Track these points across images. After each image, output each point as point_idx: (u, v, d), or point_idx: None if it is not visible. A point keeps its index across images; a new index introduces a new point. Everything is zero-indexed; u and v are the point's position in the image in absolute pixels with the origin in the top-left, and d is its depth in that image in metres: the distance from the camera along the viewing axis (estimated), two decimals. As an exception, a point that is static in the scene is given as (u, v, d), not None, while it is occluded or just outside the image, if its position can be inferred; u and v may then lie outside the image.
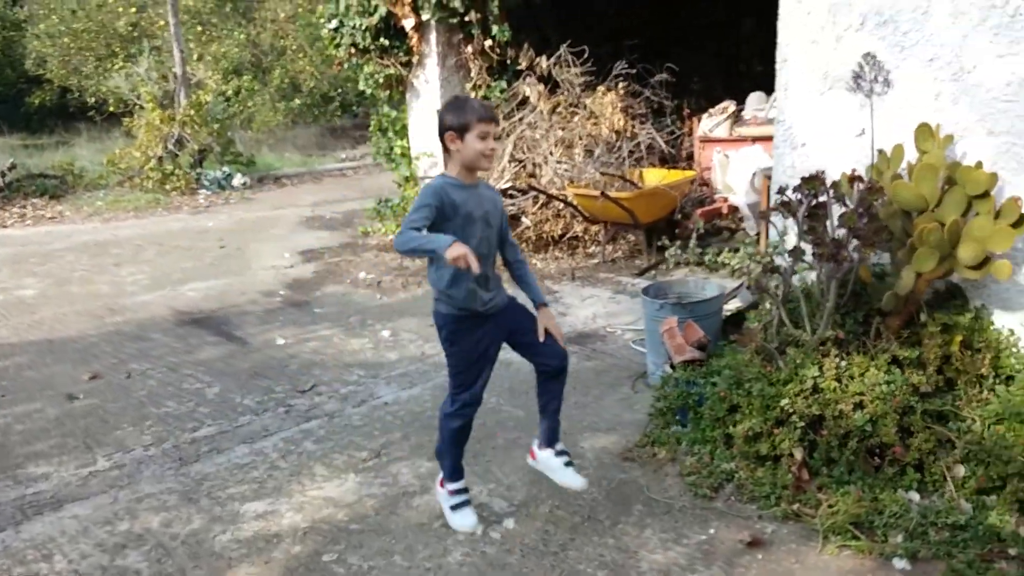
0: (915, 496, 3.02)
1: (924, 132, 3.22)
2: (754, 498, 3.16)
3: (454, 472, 3.09)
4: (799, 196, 3.10)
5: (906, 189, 3.13)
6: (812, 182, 3.07)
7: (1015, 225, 2.93)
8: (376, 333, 5.59)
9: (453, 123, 2.71)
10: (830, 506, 2.97)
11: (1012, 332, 3.23)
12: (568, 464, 3.12)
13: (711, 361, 3.79)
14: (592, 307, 5.83)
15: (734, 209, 6.90)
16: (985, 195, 3.03)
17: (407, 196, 8.43)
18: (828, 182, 3.16)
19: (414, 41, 7.80)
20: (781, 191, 3.17)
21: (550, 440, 3.11)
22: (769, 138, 6.93)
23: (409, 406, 4.33)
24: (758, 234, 6.74)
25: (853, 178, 3.25)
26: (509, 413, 4.14)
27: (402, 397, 4.46)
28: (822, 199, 3.11)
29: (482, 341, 2.89)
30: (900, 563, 2.72)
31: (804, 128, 3.76)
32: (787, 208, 3.13)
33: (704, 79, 9.14)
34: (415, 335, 5.49)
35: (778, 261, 3.32)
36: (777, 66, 3.83)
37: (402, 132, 8.55)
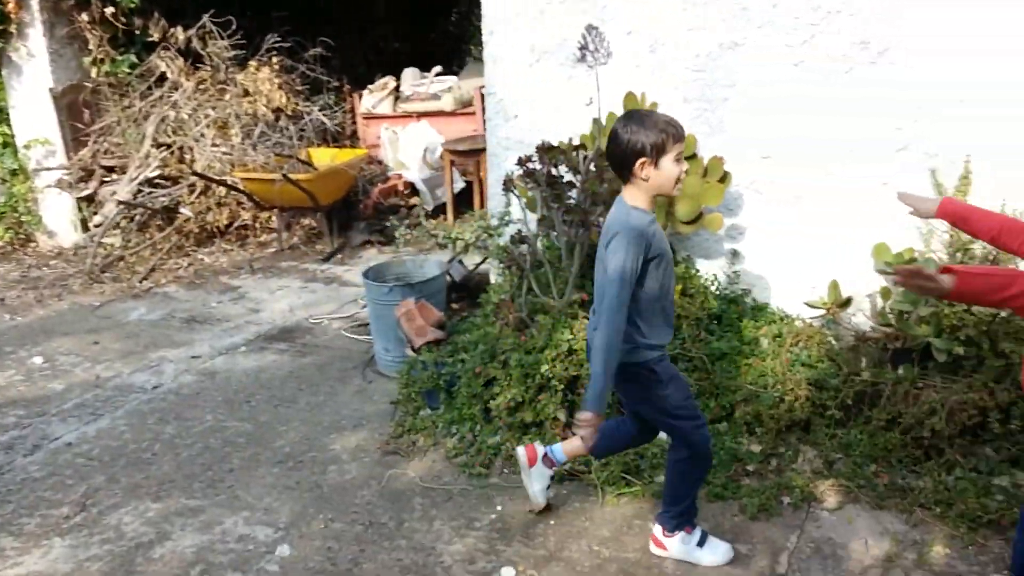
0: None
1: (631, 100, 3.46)
2: (527, 466, 3.18)
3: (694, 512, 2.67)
4: (541, 166, 3.14)
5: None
6: (552, 151, 3.14)
7: (721, 181, 3.31)
8: (23, 361, 4.57)
9: (647, 146, 2.16)
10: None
11: (715, 277, 3.67)
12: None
13: (453, 339, 3.73)
14: (286, 299, 5.41)
15: (409, 185, 6.89)
16: (692, 156, 3.37)
17: (17, 193, 7.00)
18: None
19: (10, 6, 6.43)
20: (522, 161, 3.19)
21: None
22: (435, 113, 7.06)
23: (103, 442, 3.61)
24: (438, 208, 6.83)
25: (576, 147, 3.39)
26: (235, 428, 3.66)
27: (89, 433, 3.71)
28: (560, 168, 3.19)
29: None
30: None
31: (516, 100, 3.83)
32: (531, 177, 3.15)
33: (357, 54, 8.94)
34: (78, 357, 4.60)
35: (523, 231, 3.36)
36: (484, 39, 3.84)
37: (2, 117, 7.05)
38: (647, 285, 2.26)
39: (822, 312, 3.42)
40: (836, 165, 3.39)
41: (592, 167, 3.20)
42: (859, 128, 3.32)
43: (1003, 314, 2.94)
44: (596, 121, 3.51)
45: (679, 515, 2.60)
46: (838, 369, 3.23)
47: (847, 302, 3.35)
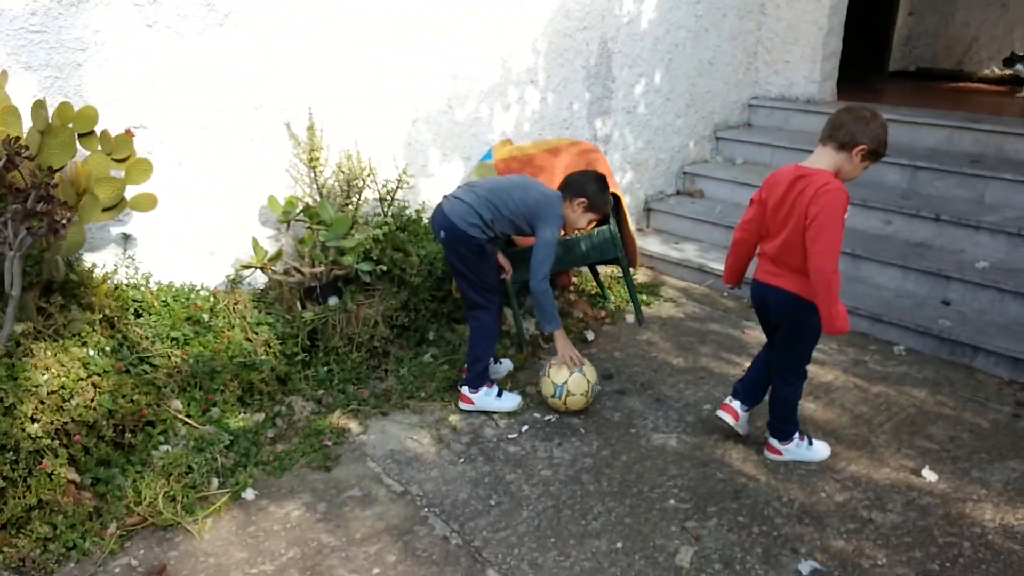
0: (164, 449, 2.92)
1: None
2: None
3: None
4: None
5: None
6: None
7: (126, 159, 2.92)
8: None
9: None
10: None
11: (115, 268, 3.21)
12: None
13: None
14: None
15: None
16: (91, 133, 2.86)
17: None
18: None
19: None
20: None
21: None
22: None
23: None
24: None
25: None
26: None
27: None
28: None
29: None
30: (250, 493, 2.78)
31: None
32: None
33: None
34: None
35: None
36: None
37: None
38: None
39: (250, 272, 3.48)
40: (211, 127, 3.40)
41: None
42: (222, 88, 3.40)
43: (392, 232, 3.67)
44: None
45: (480, 374, 3.30)
46: (288, 316, 3.43)
47: (277, 255, 3.51)
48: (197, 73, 3.32)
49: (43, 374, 2.52)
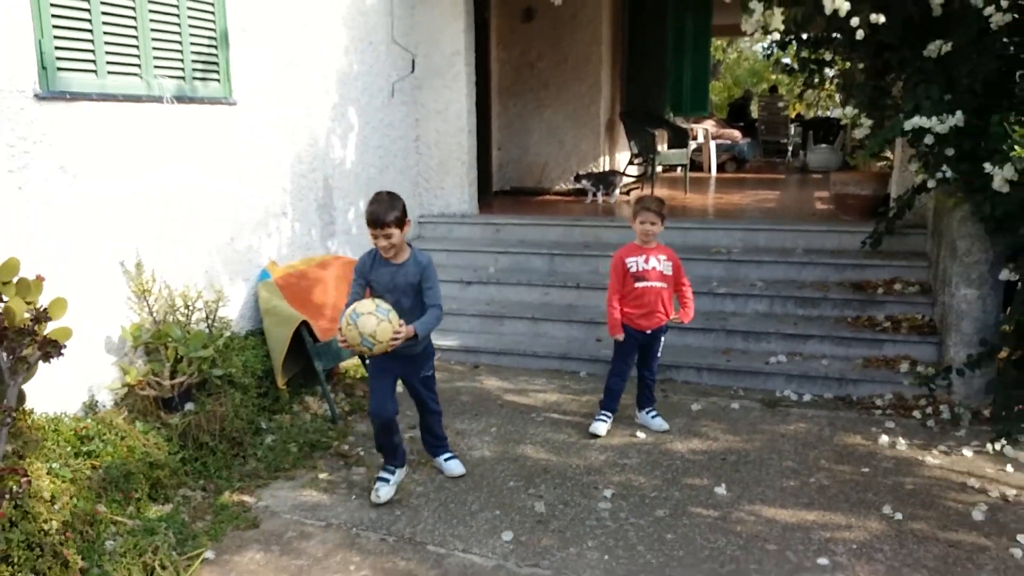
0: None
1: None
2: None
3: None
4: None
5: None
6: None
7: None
8: None
9: None
10: None
11: None
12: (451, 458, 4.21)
13: None
14: None
15: None
16: (8, 281, 3.27)
17: None
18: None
19: None
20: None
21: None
22: None
23: None
24: None
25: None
26: None
27: None
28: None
29: None
30: (211, 553, 3.38)
31: None
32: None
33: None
34: None
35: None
36: None
37: None
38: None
39: (117, 392, 3.91)
40: (63, 266, 3.85)
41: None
42: (74, 233, 3.90)
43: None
44: None
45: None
46: (158, 424, 3.96)
47: (146, 373, 3.98)
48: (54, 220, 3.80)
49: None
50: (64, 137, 3.85)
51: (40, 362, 2.98)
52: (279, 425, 4.58)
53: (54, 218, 3.81)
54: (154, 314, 4.29)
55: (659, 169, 10.74)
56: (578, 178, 8.87)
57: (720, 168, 13.20)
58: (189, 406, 4.15)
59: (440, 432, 4.21)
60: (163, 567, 3.15)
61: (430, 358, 4.03)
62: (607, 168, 10.15)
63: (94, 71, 4.01)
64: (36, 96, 3.70)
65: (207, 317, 4.56)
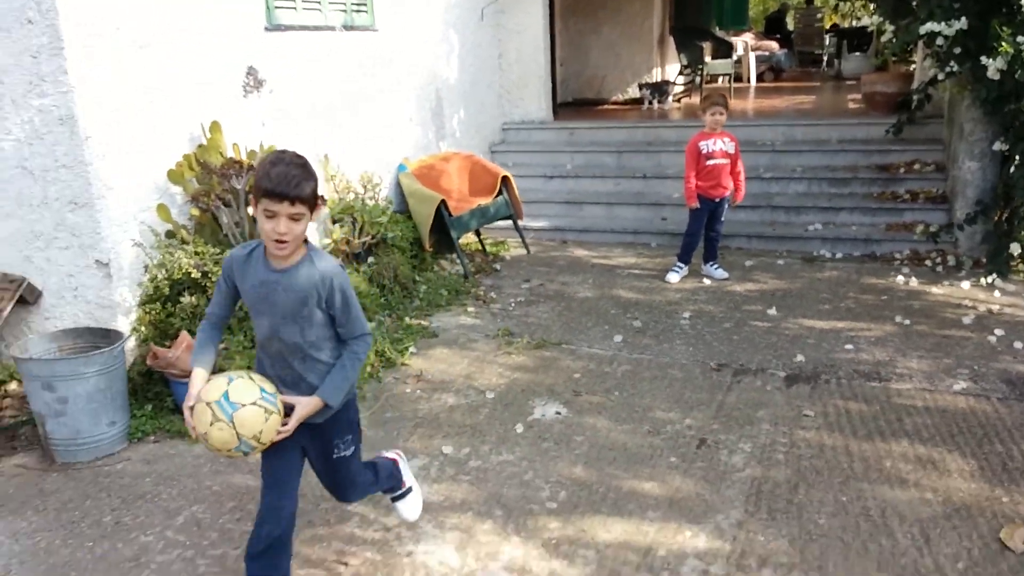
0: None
1: None
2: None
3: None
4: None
5: None
6: None
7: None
8: None
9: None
10: None
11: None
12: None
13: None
14: None
15: None
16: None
17: None
18: None
19: None
20: None
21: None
22: None
23: None
24: None
25: None
26: None
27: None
28: None
29: None
30: (413, 348, 4.83)
31: None
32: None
33: None
34: None
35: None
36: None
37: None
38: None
39: (330, 246, 5.33)
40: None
41: None
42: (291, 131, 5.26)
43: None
44: None
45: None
46: (352, 270, 5.38)
47: (347, 232, 5.40)
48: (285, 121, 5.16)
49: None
50: (276, 57, 5.17)
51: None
52: (427, 279, 5.99)
53: (271, 120, 5.15)
54: (338, 192, 5.67)
55: (705, 80, 11.83)
56: (640, 87, 10.06)
57: (759, 78, 14.18)
58: (370, 260, 5.57)
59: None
60: (387, 352, 4.60)
61: (348, 426, 2.49)
62: (659, 79, 11.28)
63: (293, 8, 5.30)
64: (264, 28, 5.01)
65: (373, 196, 5.94)
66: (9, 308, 4.09)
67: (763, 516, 3.05)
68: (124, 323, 4.15)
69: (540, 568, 2.80)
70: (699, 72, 10.80)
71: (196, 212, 4.29)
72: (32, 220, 4.07)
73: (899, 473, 3.31)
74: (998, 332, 4.76)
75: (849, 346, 4.69)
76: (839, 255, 6.53)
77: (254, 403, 2.19)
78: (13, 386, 4.27)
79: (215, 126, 4.44)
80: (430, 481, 3.39)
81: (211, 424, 2.16)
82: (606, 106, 11.00)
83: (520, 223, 6.95)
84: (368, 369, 4.47)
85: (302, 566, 2.84)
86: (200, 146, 4.39)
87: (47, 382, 3.63)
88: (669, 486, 3.29)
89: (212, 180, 4.20)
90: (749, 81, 13.71)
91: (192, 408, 2.22)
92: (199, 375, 2.32)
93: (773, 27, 18.75)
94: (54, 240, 4.07)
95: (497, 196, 6.55)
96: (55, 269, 4.13)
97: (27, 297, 4.19)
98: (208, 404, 2.18)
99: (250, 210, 1.65)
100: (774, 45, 15.53)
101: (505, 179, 6.65)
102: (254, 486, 3.32)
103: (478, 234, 6.94)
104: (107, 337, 3.91)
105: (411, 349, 4.81)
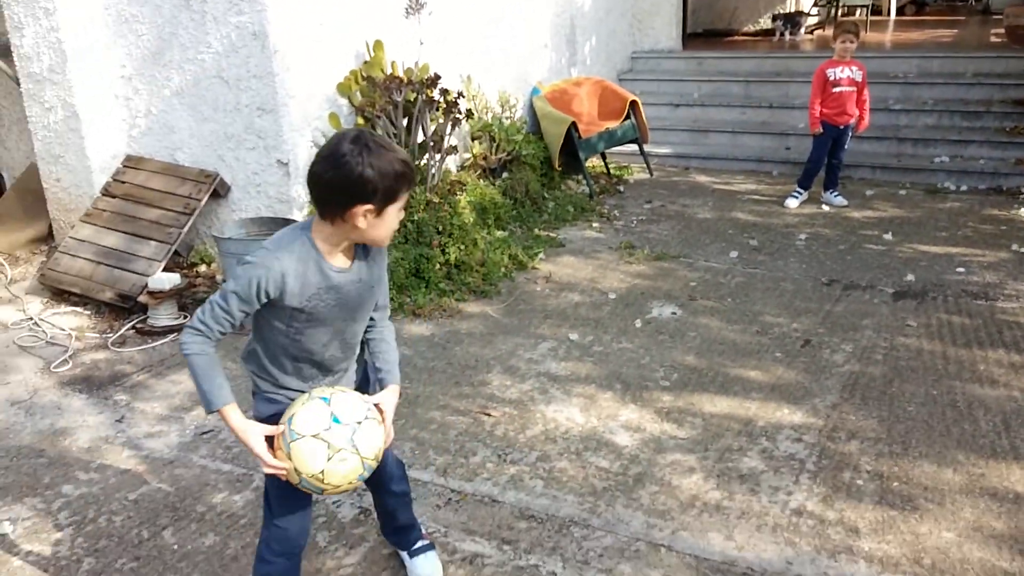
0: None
1: None
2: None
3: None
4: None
5: None
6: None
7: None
8: None
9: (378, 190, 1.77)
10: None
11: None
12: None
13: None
14: None
15: None
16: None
17: None
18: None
19: None
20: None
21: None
22: None
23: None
24: None
25: None
26: None
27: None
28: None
29: None
30: (543, 255, 5.34)
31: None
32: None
33: None
34: None
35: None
36: None
37: None
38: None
39: (470, 160, 5.88)
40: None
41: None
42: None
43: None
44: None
45: None
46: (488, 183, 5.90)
47: (484, 151, 5.94)
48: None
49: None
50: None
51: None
52: (555, 196, 6.45)
53: (428, 40, 5.66)
54: (478, 111, 6.17)
55: (842, 12, 11.55)
56: (772, 18, 10.01)
57: (900, 11, 13.63)
58: (505, 175, 6.07)
59: (409, 519, 2.38)
60: (519, 256, 5.12)
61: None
62: (793, 10, 11.12)
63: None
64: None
65: (510, 116, 6.41)
66: (205, 199, 4.84)
67: (856, 401, 3.42)
68: (299, 216, 4.82)
69: (653, 428, 3.28)
70: (835, 3, 10.58)
71: (361, 121, 4.88)
72: (226, 123, 4.76)
73: (991, 375, 3.58)
74: (1119, 264, 4.82)
75: (961, 269, 4.86)
76: (963, 187, 6.54)
77: (367, 417, 1.81)
78: (203, 268, 5.06)
79: (378, 44, 4.98)
80: (558, 360, 3.90)
81: (328, 460, 1.73)
82: (736, 37, 10.97)
83: (645, 147, 7.27)
84: (503, 270, 5.00)
85: (452, 414, 3.42)
86: (365, 62, 4.96)
87: (241, 258, 4.35)
88: (772, 375, 3.69)
89: (375, 93, 4.76)
90: (889, 14, 13.21)
91: (288, 452, 1.76)
92: (239, 415, 1.85)
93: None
94: (243, 141, 4.75)
95: (625, 120, 6.89)
96: (242, 167, 4.83)
97: (219, 190, 4.92)
98: (317, 437, 1.74)
99: (390, 209, 1.74)
100: (920, -25, 14.81)
101: (633, 103, 6.96)
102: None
103: (604, 157, 7.31)
104: (286, 226, 4.60)
105: (540, 255, 5.31)
